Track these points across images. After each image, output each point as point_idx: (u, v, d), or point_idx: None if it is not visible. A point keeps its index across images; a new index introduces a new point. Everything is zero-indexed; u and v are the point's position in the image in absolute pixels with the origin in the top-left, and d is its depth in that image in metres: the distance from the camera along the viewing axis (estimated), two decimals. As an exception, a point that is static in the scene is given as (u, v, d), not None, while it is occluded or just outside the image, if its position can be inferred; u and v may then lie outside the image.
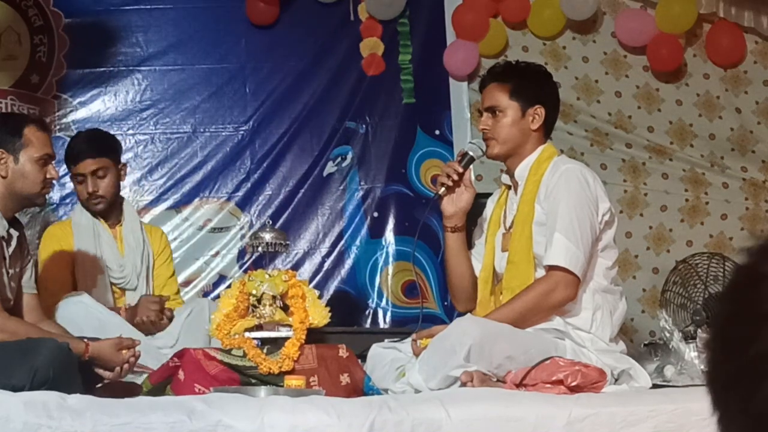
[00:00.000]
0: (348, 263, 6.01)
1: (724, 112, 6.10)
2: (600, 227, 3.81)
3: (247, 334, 3.87)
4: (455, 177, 3.98)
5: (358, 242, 6.03)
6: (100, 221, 4.76)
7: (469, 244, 4.11)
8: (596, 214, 3.79)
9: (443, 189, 4.00)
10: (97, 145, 4.76)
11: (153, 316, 4.47)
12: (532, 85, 3.96)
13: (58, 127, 5.84)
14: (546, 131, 3.98)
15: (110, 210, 4.78)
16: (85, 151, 4.71)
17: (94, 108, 5.96)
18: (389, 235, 6.03)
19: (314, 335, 3.96)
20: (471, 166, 4.05)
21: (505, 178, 4.04)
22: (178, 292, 4.99)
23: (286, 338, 3.85)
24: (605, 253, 3.86)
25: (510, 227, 3.91)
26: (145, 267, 4.80)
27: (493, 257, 3.95)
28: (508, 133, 3.91)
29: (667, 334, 3.94)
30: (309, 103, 6.06)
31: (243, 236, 5.90)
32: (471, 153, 4.00)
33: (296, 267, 5.86)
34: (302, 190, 6.02)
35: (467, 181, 4.02)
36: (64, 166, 4.89)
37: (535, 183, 3.85)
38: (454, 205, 4.01)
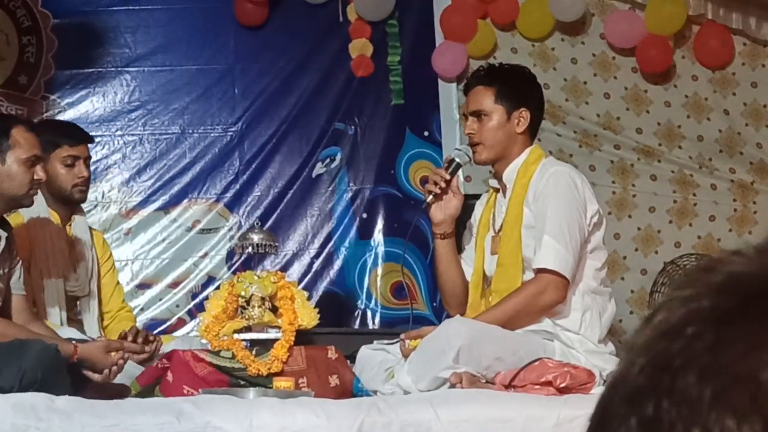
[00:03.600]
0: (337, 264, 6.01)
1: (712, 114, 6.11)
2: (588, 229, 3.82)
3: (236, 336, 3.86)
4: (443, 184, 3.99)
5: (347, 243, 6.02)
6: (51, 214, 4.37)
7: (459, 249, 4.11)
8: (585, 216, 3.79)
9: (431, 197, 4.00)
10: (88, 133, 4.60)
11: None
12: (516, 88, 3.95)
13: (46, 128, 5.82)
14: (532, 133, 3.98)
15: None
16: (83, 135, 4.51)
17: (82, 109, 5.95)
18: (378, 237, 6.03)
19: (303, 336, 3.96)
20: (458, 172, 4.06)
21: (493, 182, 4.04)
22: (123, 301, 4.75)
23: (275, 340, 3.85)
24: (594, 255, 3.87)
25: (499, 230, 3.91)
26: (92, 270, 4.50)
27: (483, 260, 3.95)
28: (494, 136, 3.90)
29: (656, 336, 3.94)
30: (298, 105, 6.05)
31: (232, 237, 5.89)
32: (458, 159, 4.00)
33: (285, 268, 5.85)
34: (291, 192, 6.01)
35: (455, 187, 4.02)
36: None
37: (523, 186, 3.85)
38: (443, 212, 4.01)
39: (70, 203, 4.46)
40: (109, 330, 4.51)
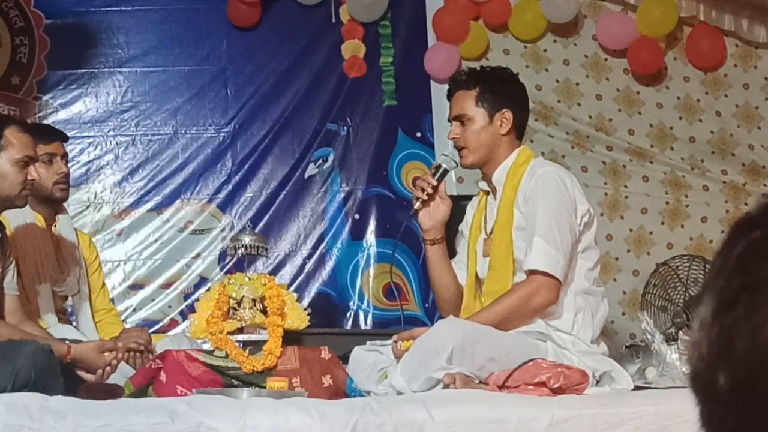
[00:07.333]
0: (329, 265, 6.01)
1: (704, 116, 6.12)
2: (579, 229, 3.82)
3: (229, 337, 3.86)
4: (430, 190, 3.99)
5: (339, 244, 6.02)
6: (36, 217, 4.33)
7: (452, 253, 4.11)
8: (575, 216, 3.79)
9: (419, 203, 4.01)
10: (61, 131, 4.59)
11: (139, 347, 4.02)
12: (497, 89, 3.95)
13: (38, 128, 5.81)
14: (518, 133, 3.98)
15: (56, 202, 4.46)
16: (57, 133, 4.52)
17: (74, 109, 5.94)
18: (370, 237, 6.03)
19: (296, 337, 3.96)
20: (446, 178, 4.07)
21: (483, 184, 4.04)
22: (111, 302, 4.79)
23: (267, 341, 3.85)
24: (586, 254, 3.87)
25: (490, 233, 3.91)
26: (79, 270, 4.47)
27: (476, 263, 3.96)
28: (478, 140, 3.91)
29: (649, 336, 3.95)
30: (290, 105, 6.06)
31: (224, 238, 5.88)
32: (445, 165, 4.01)
33: (277, 269, 5.86)
34: (283, 192, 6.01)
35: (443, 193, 4.03)
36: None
37: (513, 188, 3.85)
38: (432, 218, 4.02)
39: (52, 203, 4.44)
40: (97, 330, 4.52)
